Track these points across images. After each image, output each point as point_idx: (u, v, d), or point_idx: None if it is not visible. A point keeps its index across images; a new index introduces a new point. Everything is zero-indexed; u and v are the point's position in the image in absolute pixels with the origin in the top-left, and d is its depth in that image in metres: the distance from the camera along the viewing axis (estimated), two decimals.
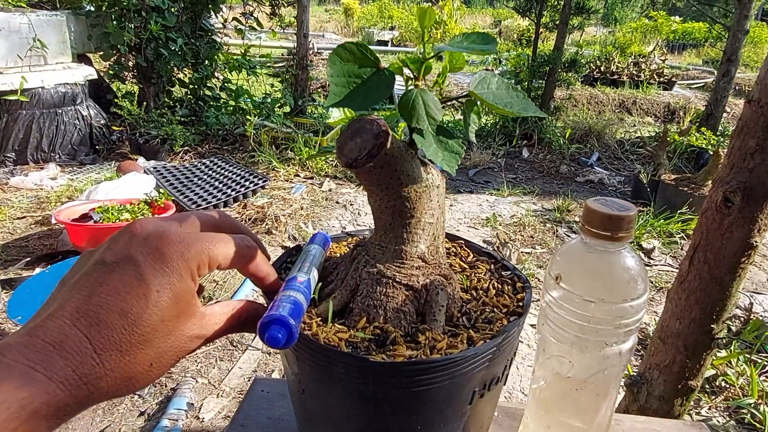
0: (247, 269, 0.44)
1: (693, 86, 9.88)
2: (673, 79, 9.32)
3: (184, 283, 0.37)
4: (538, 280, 2.70)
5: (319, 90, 7.16)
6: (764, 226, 1.12)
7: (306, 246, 0.57)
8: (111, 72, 4.43)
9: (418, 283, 0.54)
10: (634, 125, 7.53)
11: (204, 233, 0.40)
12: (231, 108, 4.87)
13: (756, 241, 1.15)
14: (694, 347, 1.24)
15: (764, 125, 1.10)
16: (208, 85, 4.96)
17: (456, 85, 9.05)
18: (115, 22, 4.18)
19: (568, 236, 3.31)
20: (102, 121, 4.29)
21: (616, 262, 0.52)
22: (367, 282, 0.54)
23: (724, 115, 5.33)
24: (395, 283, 0.54)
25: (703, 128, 4.06)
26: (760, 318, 2.10)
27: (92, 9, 4.36)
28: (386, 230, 0.55)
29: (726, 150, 1.20)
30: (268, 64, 7.08)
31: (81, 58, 4.63)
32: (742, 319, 1.72)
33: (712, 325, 1.22)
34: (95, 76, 4.31)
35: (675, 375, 1.28)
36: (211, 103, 4.90)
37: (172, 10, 4.49)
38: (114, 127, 4.36)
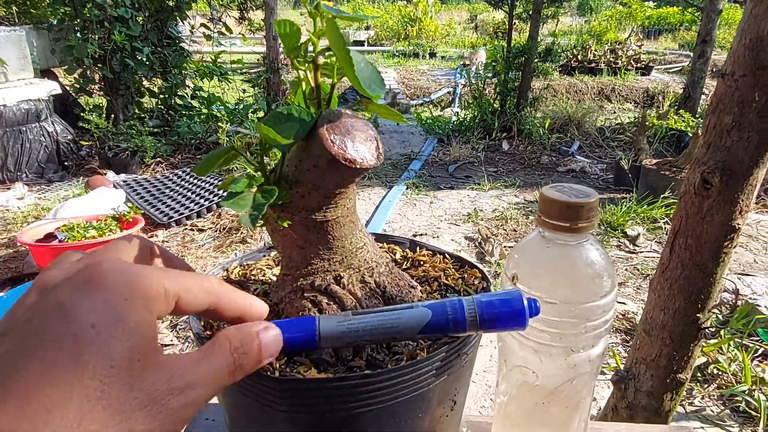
0: (232, 307, 0.34)
1: (670, 70, 9.94)
2: (651, 64, 9.37)
3: (139, 315, 0.27)
4: None
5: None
6: (746, 208, 1.07)
7: None
8: (77, 86, 4.31)
9: (353, 298, 0.47)
10: (614, 112, 7.53)
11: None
12: (203, 116, 4.76)
13: (738, 224, 1.09)
14: (680, 339, 1.18)
15: (740, 100, 1.05)
16: (179, 93, 4.85)
17: (434, 81, 9.01)
18: (78, 35, 4.07)
19: None
20: (69, 137, 4.17)
21: (578, 256, 0.45)
22: (294, 301, 0.47)
23: (702, 96, 5.32)
24: (329, 301, 0.46)
25: (681, 110, 4.04)
26: (750, 302, 2.06)
27: (54, 22, 4.24)
28: (305, 255, 0.47)
29: (702, 129, 1.14)
30: (243, 71, 6.98)
31: (46, 73, 4.50)
32: (729, 305, 1.67)
33: (698, 315, 1.16)
34: (59, 91, 4.19)
35: (663, 369, 1.22)
36: (183, 112, 4.79)
37: (137, 19, 4.38)
38: (82, 142, 4.24)
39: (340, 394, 0.39)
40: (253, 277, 0.56)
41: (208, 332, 0.46)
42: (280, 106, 5.25)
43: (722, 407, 1.78)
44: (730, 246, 1.12)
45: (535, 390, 0.49)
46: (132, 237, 0.35)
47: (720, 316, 1.68)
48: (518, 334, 0.47)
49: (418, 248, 0.61)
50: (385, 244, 0.62)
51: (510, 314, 0.39)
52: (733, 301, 1.59)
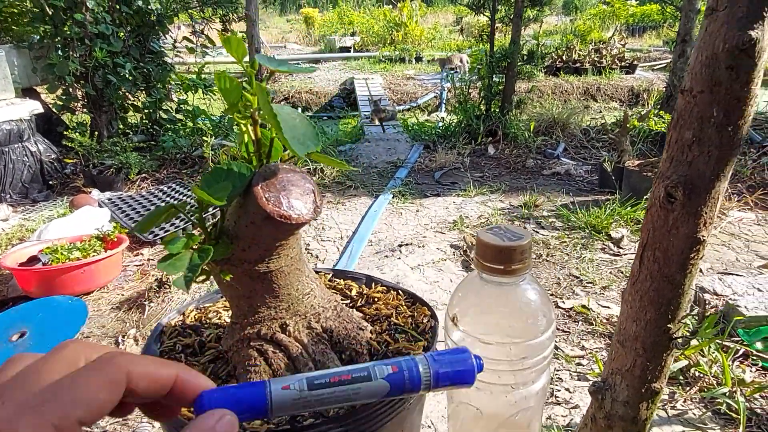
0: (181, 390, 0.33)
1: (655, 68, 10.03)
2: (635, 62, 9.46)
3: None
4: None
5: (282, 103, 7.07)
6: (710, 220, 1.08)
7: None
8: (59, 104, 4.29)
9: (299, 345, 0.48)
10: (600, 111, 7.60)
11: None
12: (188, 129, 4.76)
13: (703, 236, 1.11)
14: (653, 349, 1.20)
15: (699, 115, 1.06)
16: (164, 107, 4.85)
17: (420, 86, 9.04)
18: (59, 52, 4.06)
19: (537, 232, 3.28)
20: (53, 155, 4.15)
21: (514, 296, 0.46)
22: (241, 350, 0.48)
23: None
24: (275, 349, 0.47)
25: (661, 111, 4.08)
26: (730, 302, 2.08)
27: (35, 41, 4.22)
28: (254, 303, 0.48)
29: (666, 144, 1.16)
30: None
31: (27, 92, 4.48)
32: (698, 315, 1.69)
33: (669, 325, 1.17)
34: (42, 110, 4.17)
35: (637, 379, 1.23)
36: (168, 126, 4.78)
37: (119, 35, 4.38)
38: (66, 160, 4.22)
39: None
40: (208, 321, 0.57)
41: None
42: None
43: (704, 410, 1.80)
44: (696, 257, 1.14)
45: (482, 423, 0.50)
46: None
47: (691, 325, 1.70)
48: None
49: (373, 284, 0.62)
50: (342, 280, 0.63)
51: (460, 373, 0.39)
52: (702, 311, 1.61)
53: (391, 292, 0.61)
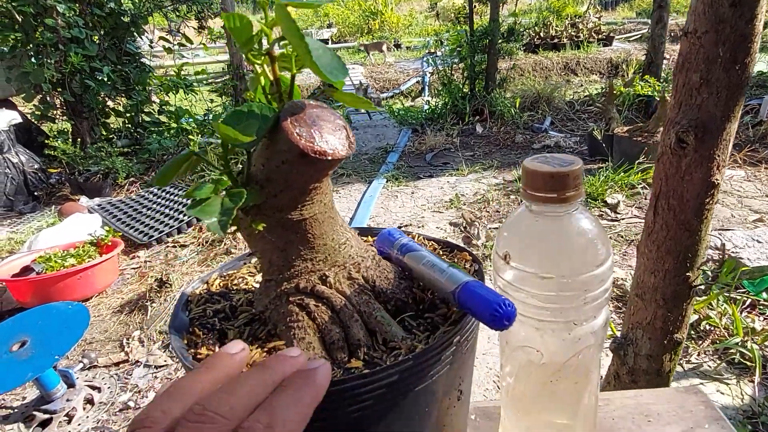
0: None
1: (631, 39, 10.05)
2: (611, 34, 9.47)
3: None
4: None
5: None
6: (722, 162, 1.07)
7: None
8: (38, 113, 4.20)
9: (342, 297, 0.45)
10: (581, 85, 7.61)
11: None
12: (173, 130, 4.68)
13: (717, 179, 1.09)
14: (673, 299, 1.19)
15: (705, 56, 1.04)
16: (146, 110, 4.76)
17: (402, 72, 8.99)
18: (32, 60, 3.96)
19: None
20: (36, 166, 4.06)
21: (569, 226, 0.43)
22: (280, 307, 0.45)
23: (665, 61, 5.38)
24: (316, 302, 0.44)
25: (646, 76, 4.08)
26: (733, 255, 2.08)
27: (5, 50, 4.11)
28: (288, 254, 0.45)
29: (672, 89, 1.14)
30: (209, 81, 6.87)
31: (3, 103, 4.38)
32: (717, 261, 1.69)
33: (688, 274, 1.16)
34: (20, 120, 4.07)
35: (659, 331, 1.22)
36: (152, 128, 4.69)
37: (93, 38, 4.28)
38: (51, 170, 4.14)
39: (340, 399, 0.37)
40: (234, 287, 0.54)
41: (192, 350, 0.44)
42: None
43: (718, 361, 1.80)
44: (711, 202, 1.12)
45: (541, 369, 0.47)
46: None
47: (709, 273, 1.69)
48: (518, 312, 0.46)
49: None
50: (369, 237, 0.60)
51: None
52: (720, 256, 1.60)
53: (426, 243, 0.58)
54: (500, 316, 0.38)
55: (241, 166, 0.44)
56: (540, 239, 0.44)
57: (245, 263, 0.59)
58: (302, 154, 0.38)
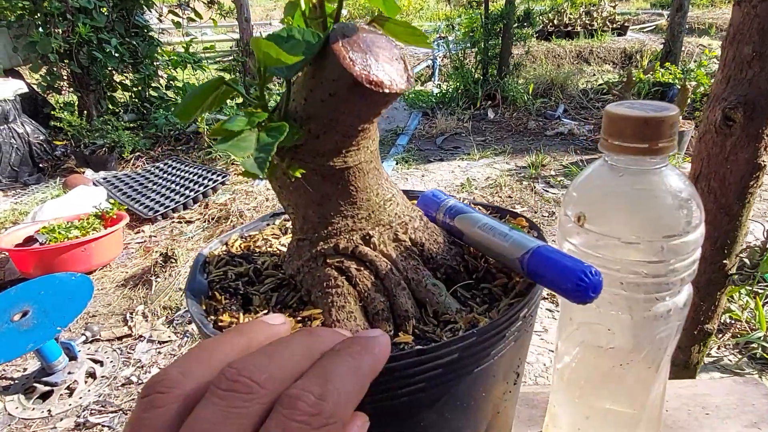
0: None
1: (645, 30, 9.87)
2: (626, 24, 9.29)
3: None
4: None
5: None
6: None
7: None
8: (44, 84, 4.13)
9: (387, 261, 0.38)
10: (594, 74, 7.47)
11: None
12: None
13: (764, 161, 1.03)
14: (706, 287, 1.12)
15: (759, 27, 0.97)
16: (153, 85, 4.68)
17: (412, 56, 8.86)
18: (40, 29, 3.88)
19: (546, 191, 3.19)
20: (41, 137, 4.00)
21: (660, 183, 0.37)
22: (315, 270, 0.39)
23: (683, 50, 5.26)
24: (358, 266, 0.38)
25: (667, 63, 3.97)
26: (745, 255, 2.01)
27: (12, 19, 4.03)
28: (324, 211, 0.39)
29: (718, 62, 1.06)
30: (218, 59, 6.78)
31: (10, 73, 4.31)
32: (758, 248, 1.62)
33: (725, 261, 1.10)
34: (26, 90, 4.00)
35: (690, 320, 1.16)
36: (159, 103, 4.62)
37: (101, 9, 4.19)
38: (56, 142, 4.08)
39: (388, 379, 0.31)
40: (258, 250, 0.48)
41: (212, 317, 0.38)
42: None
43: (739, 356, 1.74)
44: (755, 185, 1.05)
45: (610, 351, 0.41)
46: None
47: (748, 261, 1.63)
48: None
49: None
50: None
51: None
52: (763, 243, 1.53)
53: (471, 206, 0.51)
54: (586, 287, 0.32)
55: (275, 103, 0.38)
56: (624, 198, 0.37)
57: (269, 224, 0.52)
58: (355, 83, 0.31)
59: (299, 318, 0.37)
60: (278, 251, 0.48)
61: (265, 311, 0.38)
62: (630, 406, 0.44)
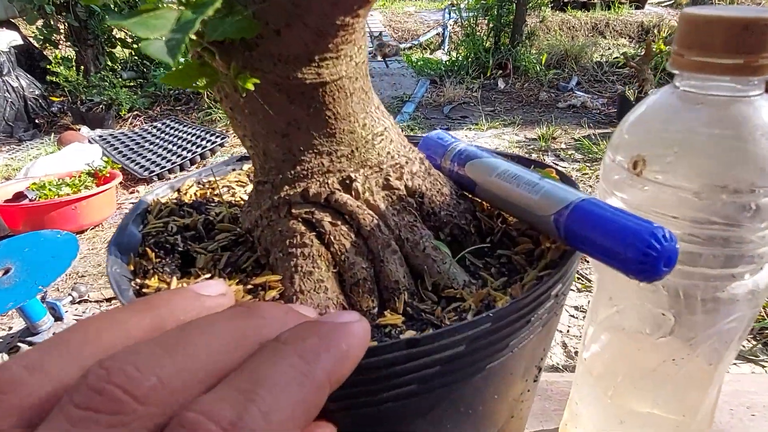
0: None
1: (664, 4, 9.56)
2: None
3: None
4: None
5: None
6: None
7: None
8: (40, 36, 3.98)
9: (373, 214, 0.29)
10: (609, 48, 7.24)
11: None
12: (181, 65, 4.44)
13: None
14: None
15: None
16: None
17: (422, 23, 8.61)
18: None
19: (557, 164, 3.08)
20: (37, 92, 3.88)
21: (752, 117, 0.26)
22: (276, 223, 0.29)
23: None
24: (333, 219, 0.28)
25: None
26: None
27: None
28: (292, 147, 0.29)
29: None
30: None
31: (5, 24, 4.17)
32: None
33: None
34: (21, 41, 3.87)
35: None
36: (158, 61, 4.47)
37: None
38: (53, 98, 3.96)
39: (367, 378, 0.21)
40: (215, 199, 0.38)
41: (137, 280, 0.29)
42: None
43: (754, 342, 1.66)
44: None
45: (661, 342, 0.31)
46: None
47: None
48: None
49: None
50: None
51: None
52: None
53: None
54: (656, 257, 0.22)
55: None
56: (702, 138, 0.27)
57: (234, 169, 0.43)
58: None
59: (249, 286, 0.27)
60: (240, 202, 0.38)
61: (209, 275, 0.29)
62: (679, 412, 0.35)
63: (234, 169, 0.42)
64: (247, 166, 0.43)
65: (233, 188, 0.39)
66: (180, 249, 0.31)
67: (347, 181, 0.29)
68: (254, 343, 0.16)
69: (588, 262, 1.53)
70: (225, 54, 0.25)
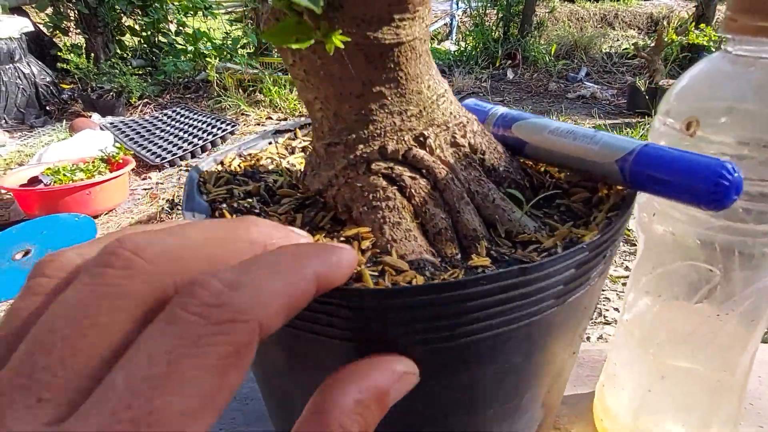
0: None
1: None
2: None
3: None
4: None
5: None
6: None
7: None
8: (51, 23, 4.00)
9: (445, 168, 0.30)
10: (618, 39, 7.20)
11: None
12: (190, 54, 4.46)
13: None
14: None
15: None
16: (162, 30, 4.53)
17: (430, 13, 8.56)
18: None
19: None
20: (48, 79, 3.90)
21: None
22: (355, 180, 0.31)
23: (717, 14, 5.03)
24: (412, 173, 0.30)
25: (701, 24, 3.78)
26: None
27: None
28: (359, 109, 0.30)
29: None
30: (229, 10, 6.57)
31: (16, 11, 4.18)
32: None
33: None
34: (32, 28, 3.88)
35: None
36: (168, 50, 4.48)
37: None
38: (63, 85, 3.98)
39: (455, 311, 0.23)
40: (262, 169, 0.40)
41: None
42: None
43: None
44: None
45: (707, 300, 0.33)
46: None
47: None
48: (692, 212, 0.32)
49: None
50: None
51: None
52: None
53: None
54: (728, 186, 0.24)
55: None
56: (754, 98, 0.29)
57: (271, 142, 0.44)
58: None
59: (342, 238, 0.29)
60: (287, 170, 0.40)
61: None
62: (720, 368, 0.36)
63: (271, 143, 0.44)
64: (282, 139, 0.44)
65: (275, 159, 0.41)
66: (256, 211, 0.33)
67: (420, 138, 0.31)
68: (256, 245, 0.18)
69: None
70: (311, 16, 0.27)
